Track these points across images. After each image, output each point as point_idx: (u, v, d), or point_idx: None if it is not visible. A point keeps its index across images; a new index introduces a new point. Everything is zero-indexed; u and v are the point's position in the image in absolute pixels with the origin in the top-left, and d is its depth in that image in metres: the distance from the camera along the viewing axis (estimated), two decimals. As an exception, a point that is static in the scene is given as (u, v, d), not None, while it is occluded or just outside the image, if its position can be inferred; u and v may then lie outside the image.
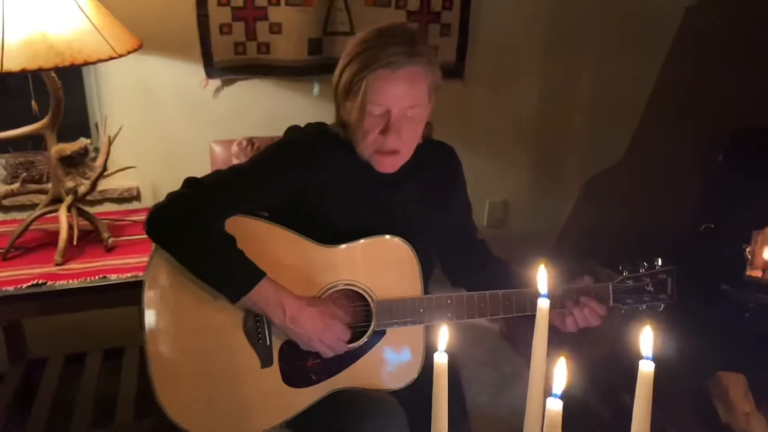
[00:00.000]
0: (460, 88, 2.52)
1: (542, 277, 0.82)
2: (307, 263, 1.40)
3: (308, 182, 1.42)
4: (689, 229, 2.53)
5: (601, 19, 2.59)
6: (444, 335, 0.74)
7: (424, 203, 1.51)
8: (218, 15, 2.21)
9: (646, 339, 0.68)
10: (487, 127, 2.65)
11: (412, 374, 1.44)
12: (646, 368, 0.67)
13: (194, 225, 1.33)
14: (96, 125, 2.28)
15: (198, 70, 2.27)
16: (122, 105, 2.25)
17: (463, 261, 1.62)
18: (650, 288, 1.50)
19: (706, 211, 2.55)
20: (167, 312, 1.37)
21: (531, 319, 1.42)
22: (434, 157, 1.56)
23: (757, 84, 2.61)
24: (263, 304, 1.33)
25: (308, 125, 1.50)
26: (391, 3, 2.33)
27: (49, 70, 1.64)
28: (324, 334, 1.35)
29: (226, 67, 2.29)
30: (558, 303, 1.45)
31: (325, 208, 1.43)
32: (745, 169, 2.46)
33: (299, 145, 1.45)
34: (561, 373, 0.65)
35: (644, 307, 1.51)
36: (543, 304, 0.79)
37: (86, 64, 1.65)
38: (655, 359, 2.13)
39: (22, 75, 1.80)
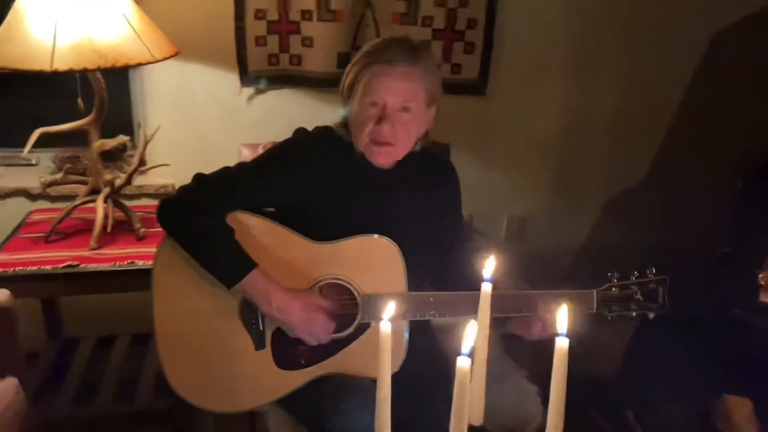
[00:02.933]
0: (482, 105, 2.59)
1: (490, 265, 0.91)
2: (299, 257, 1.51)
3: (308, 181, 1.52)
4: (706, 253, 2.55)
5: (623, 39, 2.62)
6: (390, 309, 0.83)
7: (417, 210, 1.58)
8: (255, 28, 2.35)
9: (563, 317, 0.76)
10: (507, 143, 2.70)
11: (395, 365, 1.50)
12: (562, 344, 0.74)
13: (198, 216, 1.46)
14: (138, 125, 2.45)
15: (233, 78, 2.41)
16: (163, 107, 2.41)
17: (452, 275, 1.63)
18: (638, 296, 1.51)
19: (723, 236, 2.56)
20: (172, 296, 1.50)
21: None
22: (433, 171, 1.64)
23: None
24: (253, 293, 1.45)
25: (315, 128, 1.61)
26: (417, 21, 2.42)
27: (92, 70, 1.80)
28: (307, 325, 1.46)
29: (259, 76, 2.43)
30: (529, 307, 1.47)
31: (322, 207, 1.52)
32: (763, 197, 2.47)
33: (302, 145, 1.57)
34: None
35: (633, 315, 1.52)
36: (486, 288, 0.88)
37: (126, 66, 1.81)
38: (664, 380, 2.11)
39: (72, 77, 1.98)
